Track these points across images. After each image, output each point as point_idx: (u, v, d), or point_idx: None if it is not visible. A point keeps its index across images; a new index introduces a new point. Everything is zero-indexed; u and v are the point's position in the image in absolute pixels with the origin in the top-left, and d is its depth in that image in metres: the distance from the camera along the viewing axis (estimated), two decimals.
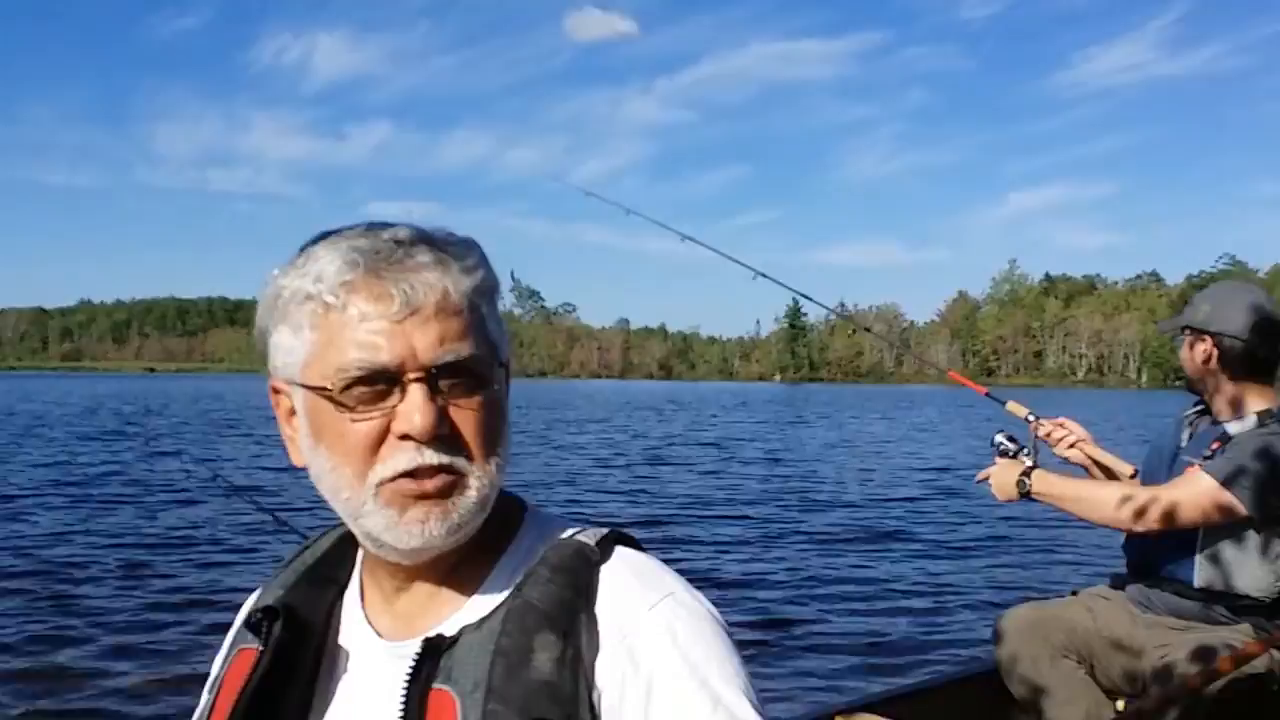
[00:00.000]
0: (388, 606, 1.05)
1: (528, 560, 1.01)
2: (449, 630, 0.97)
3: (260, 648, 1.03)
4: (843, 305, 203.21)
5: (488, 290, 1.00)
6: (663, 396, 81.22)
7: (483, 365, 0.96)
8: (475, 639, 0.94)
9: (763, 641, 7.34)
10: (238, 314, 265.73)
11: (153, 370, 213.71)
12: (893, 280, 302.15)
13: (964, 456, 21.21)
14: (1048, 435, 3.22)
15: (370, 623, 1.06)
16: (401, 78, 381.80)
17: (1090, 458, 3.23)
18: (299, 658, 1.05)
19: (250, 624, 1.06)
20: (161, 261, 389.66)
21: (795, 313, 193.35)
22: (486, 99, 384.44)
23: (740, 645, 0.98)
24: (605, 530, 1.04)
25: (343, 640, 1.07)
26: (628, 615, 0.95)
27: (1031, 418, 3.24)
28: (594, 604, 0.96)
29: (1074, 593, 3.32)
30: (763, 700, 0.94)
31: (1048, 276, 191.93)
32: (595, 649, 0.93)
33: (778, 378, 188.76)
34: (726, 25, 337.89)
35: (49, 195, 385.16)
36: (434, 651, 0.95)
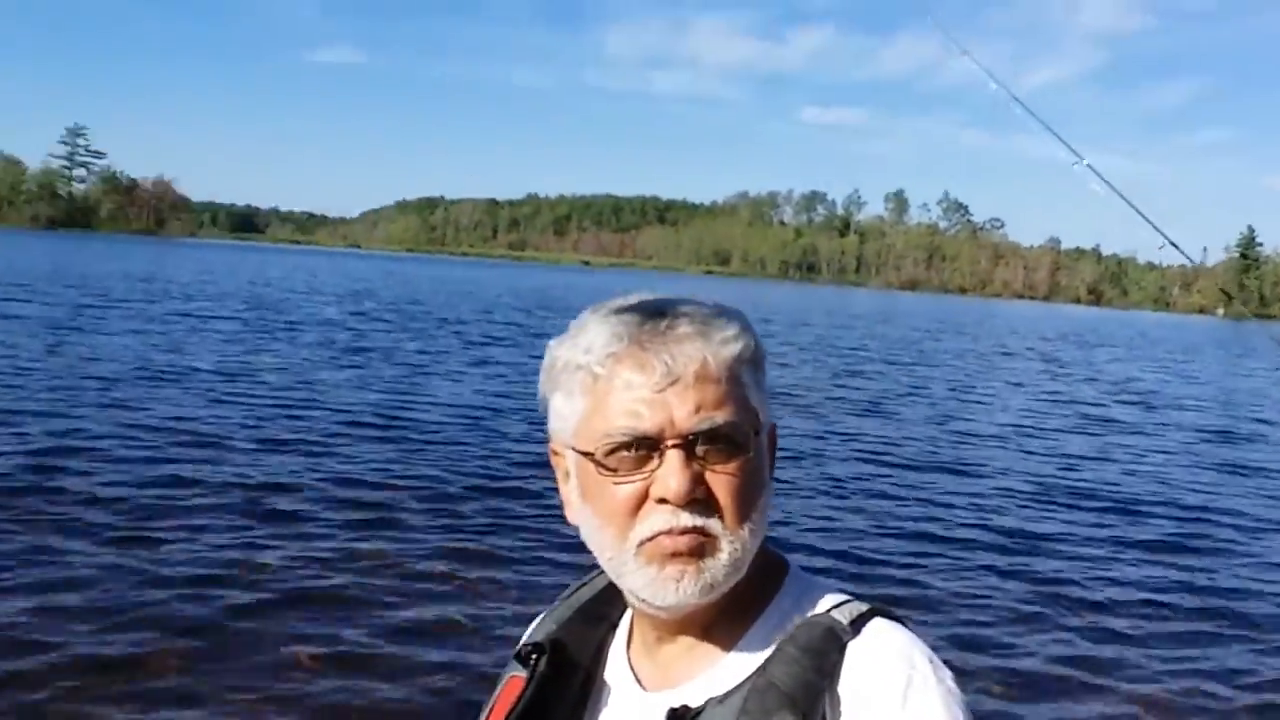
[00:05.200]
0: (649, 653, 1.13)
1: (782, 626, 1.05)
2: (696, 693, 1.03)
3: (527, 677, 1.13)
4: None
5: (750, 359, 1.04)
6: (1088, 325, 75.52)
7: (740, 432, 1.01)
8: (718, 713, 0.99)
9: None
10: (668, 214, 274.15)
11: (588, 264, 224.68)
12: None
13: None
14: None
15: (632, 666, 1.15)
16: None
17: None
18: (564, 691, 1.14)
19: (519, 656, 1.16)
20: (602, 159, 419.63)
21: (1249, 241, 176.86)
22: (934, 1, 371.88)
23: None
24: (864, 607, 1.05)
25: (608, 677, 1.17)
26: (868, 692, 0.97)
27: None
28: (838, 684, 0.98)
29: None
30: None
31: None
32: None
33: (1220, 312, 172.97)
34: None
35: (507, 94, 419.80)
36: None
